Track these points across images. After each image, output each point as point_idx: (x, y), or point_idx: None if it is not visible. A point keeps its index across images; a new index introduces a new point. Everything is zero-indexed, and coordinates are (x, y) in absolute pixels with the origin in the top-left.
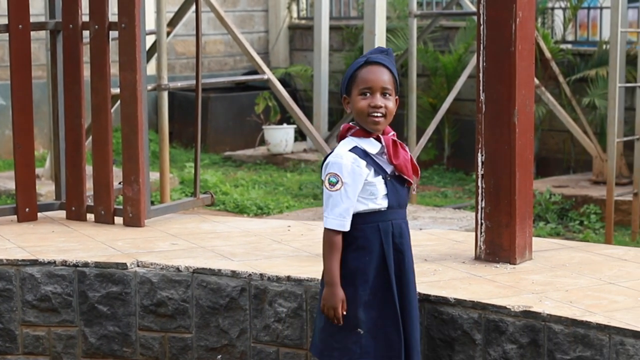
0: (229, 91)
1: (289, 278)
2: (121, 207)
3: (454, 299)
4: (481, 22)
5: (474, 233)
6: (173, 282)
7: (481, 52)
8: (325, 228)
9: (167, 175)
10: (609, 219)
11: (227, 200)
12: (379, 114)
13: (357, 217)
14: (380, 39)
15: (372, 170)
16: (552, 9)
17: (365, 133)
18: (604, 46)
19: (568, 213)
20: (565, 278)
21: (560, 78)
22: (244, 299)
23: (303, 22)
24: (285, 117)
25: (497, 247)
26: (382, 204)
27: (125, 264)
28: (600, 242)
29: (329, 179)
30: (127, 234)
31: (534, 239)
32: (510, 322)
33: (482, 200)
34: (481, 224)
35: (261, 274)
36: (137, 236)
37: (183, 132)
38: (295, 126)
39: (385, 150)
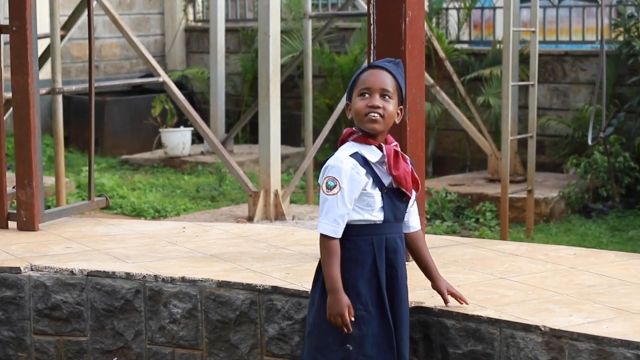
0: (126, 94)
1: (183, 279)
2: (15, 211)
3: None
4: (371, 22)
5: None
6: (67, 285)
7: (372, 52)
8: (320, 234)
9: (63, 179)
10: (503, 216)
11: (124, 204)
12: (376, 114)
13: (351, 228)
14: (275, 40)
15: (371, 180)
16: (447, 9)
17: (366, 139)
18: (498, 46)
19: (464, 211)
20: (457, 274)
21: (455, 77)
22: (138, 300)
23: (199, 24)
24: (183, 120)
25: None
26: (377, 216)
27: (18, 268)
28: (496, 239)
29: (326, 182)
30: (21, 238)
31: (428, 236)
32: None
33: None
34: None
35: (155, 276)
36: (31, 240)
37: (80, 136)
38: (192, 129)
39: (386, 159)
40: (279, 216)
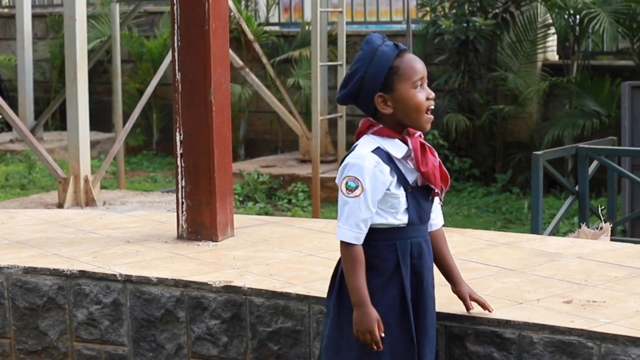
0: None
1: None
2: None
3: (156, 278)
4: (174, 2)
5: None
6: None
7: (175, 32)
8: (340, 241)
9: None
10: (315, 196)
11: None
12: (432, 107)
13: (372, 232)
14: (81, 25)
15: (395, 178)
16: None
17: (390, 132)
18: (307, 27)
19: (276, 192)
20: (266, 252)
21: (265, 59)
22: None
23: (6, 10)
24: None
25: (199, 225)
26: (402, 219)
27: None
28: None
29: (346, 183)
30: None
31: (236, 216)
32: (212, 298)
33: (182, 179)
34: (182, 203)
35: None
36: None
37: None
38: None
39: (413, 154)
40: (90, 202)
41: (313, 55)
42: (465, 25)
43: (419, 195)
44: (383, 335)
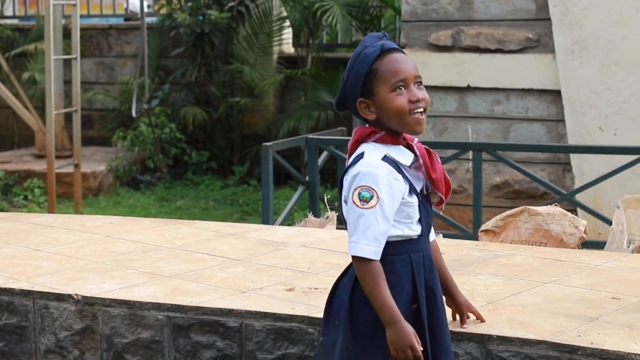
0: None
1: None
2: None
3: None
4: None
5: None
6: None
7: None
8: (355, 257)
9: None
10: (50, 192)
11: None
12: (420, 109)
13: (386, 246)
14: None
15: (408, 186)
16: None
17: (393, 139)
18: (42, 20)
19: (12, 188)
20: None
21: None
22: None
23: None
24: None
25: None
26: (416, 230)
27: None
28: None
29: (359, 193)
30: None
31: None
32: None
33: None
34: None
35: None
36: None
37: None
38: None
39: (421, 161)
40: None
41: (46, 49)
42: (201, 18)
43: (427, 204)
44: (422, 348)
